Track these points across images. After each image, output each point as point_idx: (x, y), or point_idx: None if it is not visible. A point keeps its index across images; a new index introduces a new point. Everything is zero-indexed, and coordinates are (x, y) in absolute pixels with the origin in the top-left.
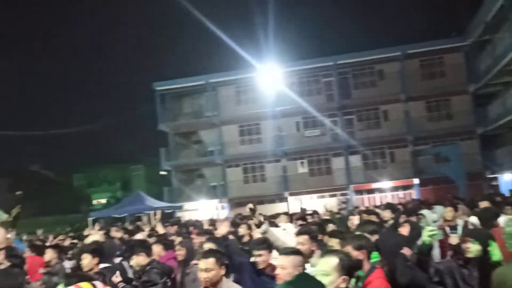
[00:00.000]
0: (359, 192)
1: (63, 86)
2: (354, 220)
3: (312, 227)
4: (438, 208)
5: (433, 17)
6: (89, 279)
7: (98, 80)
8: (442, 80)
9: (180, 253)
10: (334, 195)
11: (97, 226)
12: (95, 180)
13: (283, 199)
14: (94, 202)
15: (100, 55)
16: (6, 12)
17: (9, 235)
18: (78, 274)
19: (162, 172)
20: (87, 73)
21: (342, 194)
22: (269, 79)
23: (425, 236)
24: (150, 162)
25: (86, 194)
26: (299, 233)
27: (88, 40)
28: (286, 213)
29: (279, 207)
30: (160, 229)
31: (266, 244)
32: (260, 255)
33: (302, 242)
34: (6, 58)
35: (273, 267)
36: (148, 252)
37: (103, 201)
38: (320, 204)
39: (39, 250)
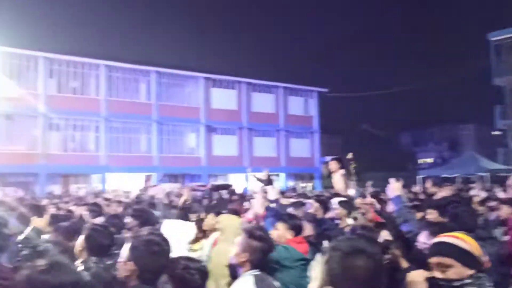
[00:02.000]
0: None
1: (389, 46)
2: None
3: None
4: None
5: None
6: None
7: (425, 36)
8: None
9: None
10: None
11: (429, 184)
12: (421, 139)
13: None
14: (420, 161)
15: (390, 11)
16: None
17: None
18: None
19: (495, 132)
20: (411, 31)
21: None
22: None
23: None
24: (481, 121)
25: (412, 152)
26: None
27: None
28: None
29: None
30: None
31: None
32: None
33: None
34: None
35: None
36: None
37: (429, 160)
38: None
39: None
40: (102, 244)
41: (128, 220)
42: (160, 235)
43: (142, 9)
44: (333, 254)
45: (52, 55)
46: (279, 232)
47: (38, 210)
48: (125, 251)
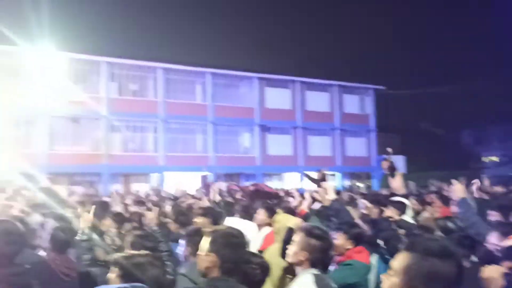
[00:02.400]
0: None
1: (449, 41)
2: None
3: None
4: None
5: None
6: None
7: (486, 31)
8: None
9: None
10: None
11: (486, 182)
12: (484, 136)
13: None
14: (484, 159)
15: None
16: None
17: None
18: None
19: None
20: (470, 27)
21: None
22: None
23: None
24: None
25: (475, 151)
26: None
27: None
28: None
29: None
30: None
31: None
32: None
33: None
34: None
35: None
36: None
37: (494, 158)
38: None
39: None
40: (147, 248)
41: (197, 220)
42: (237, 228)
43: (197, 12)
44: (417, 256)
45: (113, 59)
46: (339, 242)
47: (95, 206)
48: (205, 244)
